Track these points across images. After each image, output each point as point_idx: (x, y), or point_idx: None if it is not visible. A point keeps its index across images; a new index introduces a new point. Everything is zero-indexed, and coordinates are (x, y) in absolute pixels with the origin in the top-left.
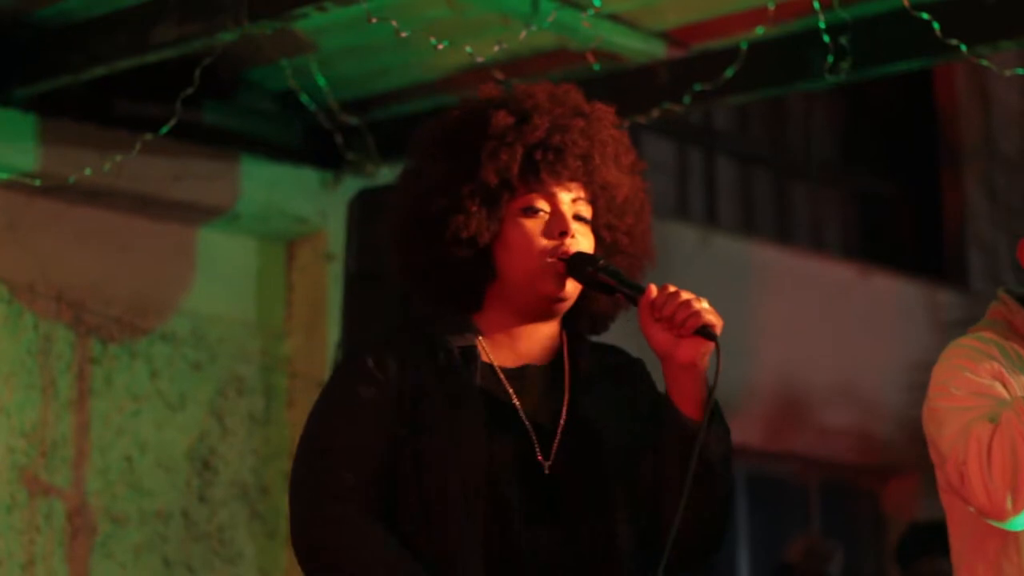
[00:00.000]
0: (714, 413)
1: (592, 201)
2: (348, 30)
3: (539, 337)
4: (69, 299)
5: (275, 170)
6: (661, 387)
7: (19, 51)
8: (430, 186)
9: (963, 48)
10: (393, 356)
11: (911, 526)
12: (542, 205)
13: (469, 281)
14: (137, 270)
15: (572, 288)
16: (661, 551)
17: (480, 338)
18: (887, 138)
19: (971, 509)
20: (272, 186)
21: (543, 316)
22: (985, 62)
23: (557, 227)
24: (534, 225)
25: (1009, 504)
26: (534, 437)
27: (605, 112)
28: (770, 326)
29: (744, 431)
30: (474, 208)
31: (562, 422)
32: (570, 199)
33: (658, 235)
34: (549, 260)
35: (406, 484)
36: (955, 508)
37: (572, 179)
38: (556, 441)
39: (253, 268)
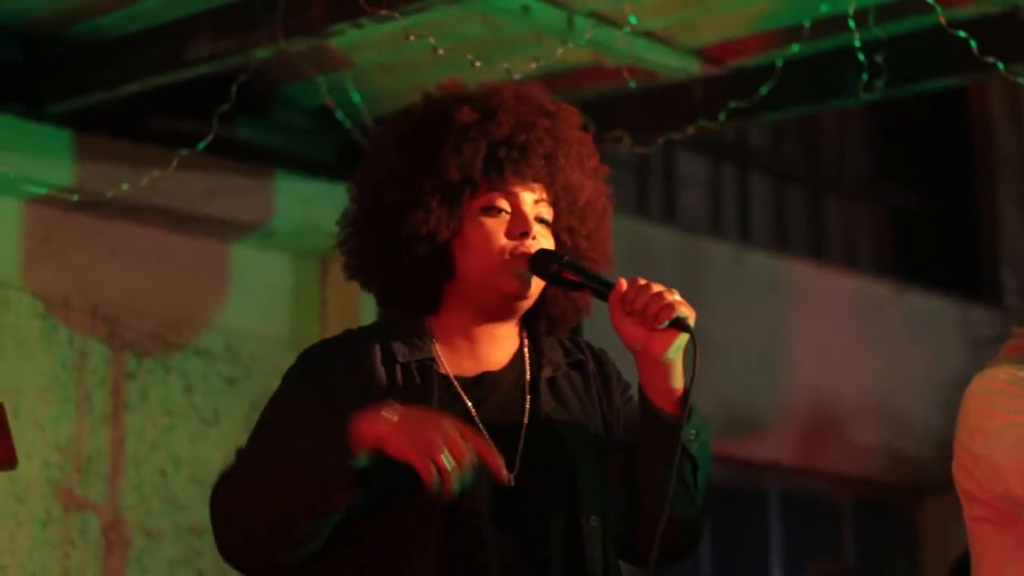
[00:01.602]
0: (692, 406)
1: (554, 203)
2: (384, 47)
3: (497, 339)
4: (104, 314)
5: (310, 186)
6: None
7: (55, 67)
8: (388, 180)
9: (1000, 66)
10: (347, 365)
11: (967, 551)
12: (503, 204)
13: (426, 280)
14: (172, 285)
15: (535, 287)
16: (636, 547)
17: (436, 345)
18: (921, 155)
19: None
20: (307, 202)
21: (502, 316)
22: (1022, 80)
23: (518, 227)
24: (495, 224)
25: None
26: (495, 449)
27: (571, 112)
28: (803, 343)
29: (777, 448)
30: (434, 204)
31: (523, 430)
32: (532, 200)
33: (691, 251)
34: (508, 259)
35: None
36: (985, 533)
37: (535, 179)
38: (519, 451)
39: (287, 284)
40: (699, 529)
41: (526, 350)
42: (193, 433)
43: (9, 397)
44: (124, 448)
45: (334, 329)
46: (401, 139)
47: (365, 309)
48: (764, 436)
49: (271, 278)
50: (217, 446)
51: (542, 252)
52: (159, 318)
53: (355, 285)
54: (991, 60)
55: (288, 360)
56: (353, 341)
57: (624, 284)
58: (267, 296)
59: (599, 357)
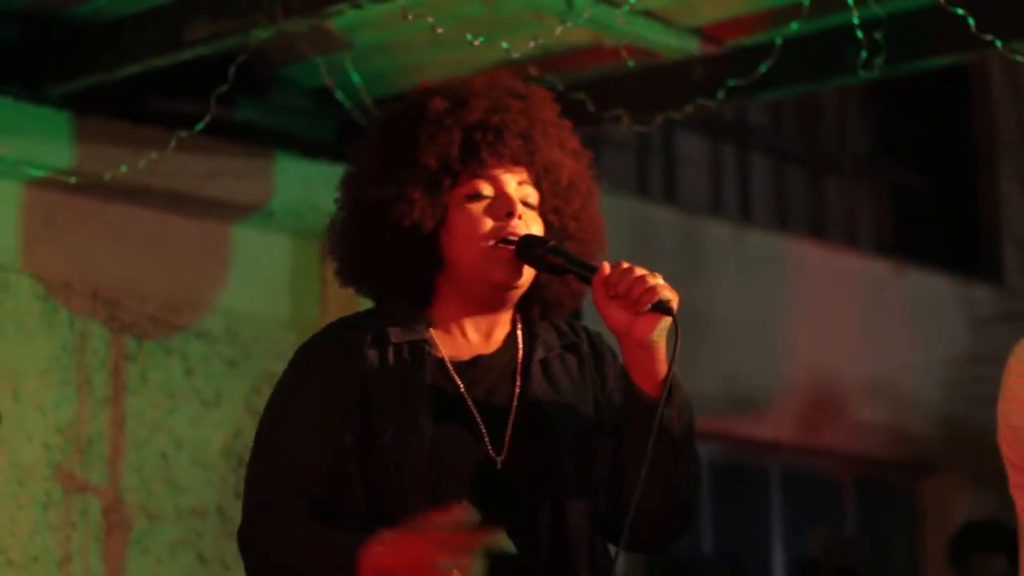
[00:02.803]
0: (674, 388)
1: (536, 184)
2: (383, 27)
3: (491, 325)
4: (104, 296)
5: (309, 167)
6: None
7: (53, 49)
8: (368, 178)
9: (997, 43)
10: (340, 356)
11: (965, 524)
12: (487, 191)
13: (416, 272)
14: (172, 267)
15: (526, 275)
16: (619, 530)
17: (431, 330)
18: (922, 133)
19: None
20: (306, 183)
21: (496, 306)
22: (1020, 57)
23: (503, 208)
24: (479, 209)
25: None
26: (484, 431)
27: (544, 95)
28: (804, 322)
29: (778, 427)
30: (415, 195)
31: (512, 413)
32: (515, 182)
33: (692, 231)
34: (497, 245)
35: (353, 487)
36: None
37: (514, 161)
38: (508, 433)
39: (287, 265)
40: (688, 511)
41: (519, 332)
42: (194, 415)
43: (9, 380)
44: (125, 430)
45: (335, 309)
46: (377, 138)
47: None
48: (765, 414)
49: (271, 259)
50: (218, 428)
51: (528, 238)
52: (159, 300)
53: None
54: (989, 38)
55: (289, 341)
56: (344, 330)
57: (607, 268)
58: (267, 277)
59: (594, 340)
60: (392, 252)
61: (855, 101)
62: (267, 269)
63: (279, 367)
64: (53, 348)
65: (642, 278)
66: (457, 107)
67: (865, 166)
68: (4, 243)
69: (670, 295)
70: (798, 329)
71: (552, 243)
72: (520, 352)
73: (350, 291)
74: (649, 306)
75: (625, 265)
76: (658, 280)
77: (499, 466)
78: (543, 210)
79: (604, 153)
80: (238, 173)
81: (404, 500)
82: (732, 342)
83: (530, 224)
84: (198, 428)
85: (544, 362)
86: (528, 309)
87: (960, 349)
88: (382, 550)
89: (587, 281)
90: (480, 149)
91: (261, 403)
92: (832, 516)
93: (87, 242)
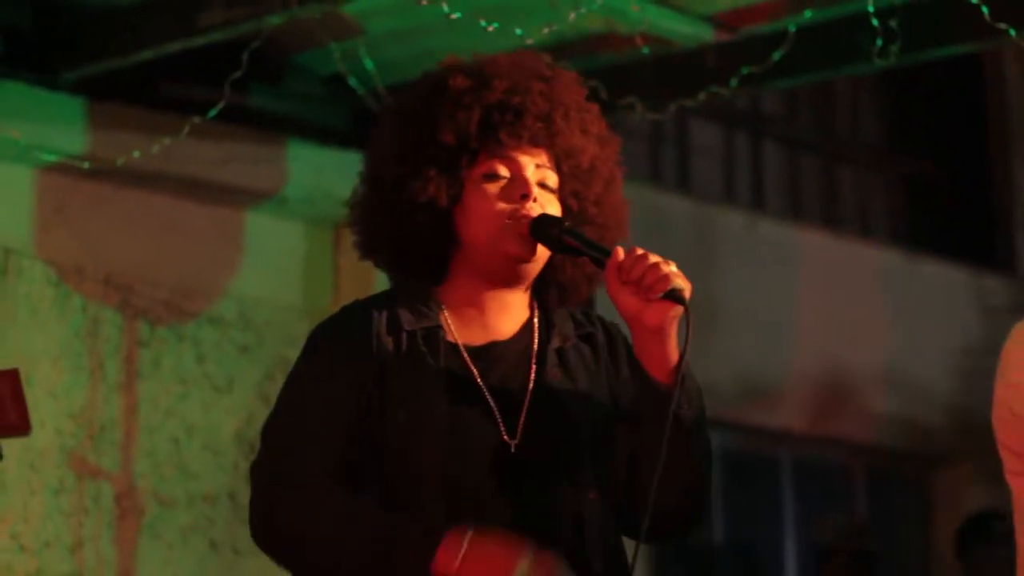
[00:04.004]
0: (685, 376)
1: (556, 168)
2: (396, 13)
3: (507, 309)
4: (117, 282)
5: (322, 154)
6: None
7: (67, 35)
8: (387, 155)
9: (1011, 32)
10: (356, 337)
11: (968, 516)
12: (503, 171)
13: (430, 249)
14: (185, 253)
15: (540, 252)
16: (634, 520)
17: (444, 314)
18: (935, 122)
19: None
20: (319, 170)
21: (509, 281)
22: None
23: (518, 190)
24: (495, 190)
25: None
26: (499, 417)
27: (569, 77)
28: (816, 311)
29: (790, 416)
30: (432, 172)
31: (527, 399)
32: (533, 164)
33: (705, 220)
34: (510, 222)
35: (365, 471)
36: (1022, 488)
37: (533, 143)
38: (522, 419)
39: (300, 252)
40: (701, 501)
41: (536, 320)
42: (206, 401)
43: (22, 365)
44: (137, 416)
45: (347, 296)
46: (398, 114)
47: (378, 276)
48: (776, 404)
49: (284, 246)
50: (230, 414)
51: (543, 217)
52: (172, 286)
53: None
54: (1003, 26)
55: (301, 327)
56: (359, 312)
57: (621, 253)
58: (280, 264)
59: (610, 330)
60: (408, 228)
61: (869, 90)
62: (280, 255)
63: (291, 353)
64: (66, 333)
65: (655, 265)
66: (479, 86)
67: (879, 155)
68: (17, 228)
69: (683, 284)
70: (810, 318)
71: (567, 223)
72: (536, 340)
73: (363, 277)
74: (661, 294)
75: (639, 251)
76: (671, 268)
77: (513, 450)
78: (562, 194)
79: None
80: (251, 159)
81: (418, 481)
82: (744, 331)
83: (546, 207)
84: (210, 414)
85: (560, 351)
86: (544, 295)
87: (973, 339)
88: (458, 551)
89: (600, 264)
90: (498, 129)
91: (273, 389)
92: (843, 506)
93: (100, 227)
